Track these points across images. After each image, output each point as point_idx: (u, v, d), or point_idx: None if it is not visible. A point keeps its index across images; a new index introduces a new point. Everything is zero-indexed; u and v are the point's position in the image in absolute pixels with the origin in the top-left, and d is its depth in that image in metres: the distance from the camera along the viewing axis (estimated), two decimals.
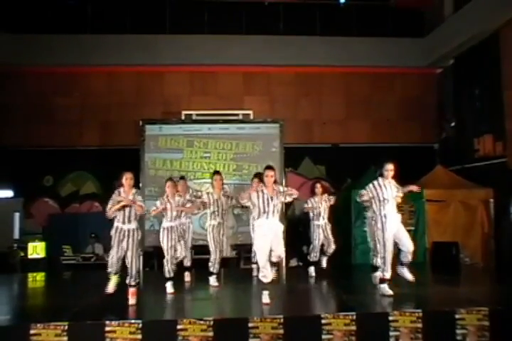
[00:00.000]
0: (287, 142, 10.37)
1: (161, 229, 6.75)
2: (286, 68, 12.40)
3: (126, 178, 5.99)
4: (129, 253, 5.90)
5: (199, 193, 7.39)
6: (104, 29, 12.07)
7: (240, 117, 11.04)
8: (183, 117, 11.12)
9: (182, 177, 7.76)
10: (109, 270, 5.87)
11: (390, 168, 6.18)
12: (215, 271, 7.16)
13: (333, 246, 7.73)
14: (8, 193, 11.46)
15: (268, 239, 5.75)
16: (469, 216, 9.81)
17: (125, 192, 5.99)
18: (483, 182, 10.04)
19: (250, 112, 11.32)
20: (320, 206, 7.67)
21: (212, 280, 7.18)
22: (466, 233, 9.68)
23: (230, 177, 9.77)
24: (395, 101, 12.68)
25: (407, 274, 6.20)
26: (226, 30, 12.14)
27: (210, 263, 7.13)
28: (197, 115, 11.15)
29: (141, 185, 9.60)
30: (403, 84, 12.79)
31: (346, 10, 13.00)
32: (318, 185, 7.82)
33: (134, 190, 6.07)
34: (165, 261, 6.63)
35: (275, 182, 5.96)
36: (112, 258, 5.86)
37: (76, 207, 12.11)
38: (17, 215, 10.91)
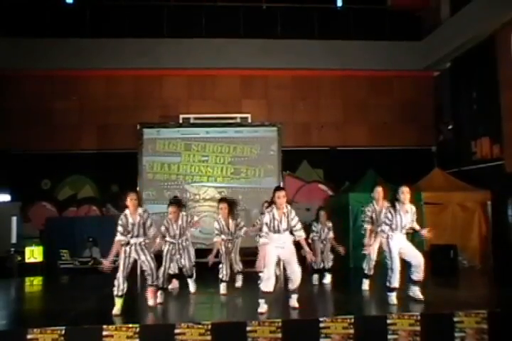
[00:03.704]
0: (285, 145, 10.39)
1: (165, 242, 6.76)
2: (283, 71, 12.41)
3: (131, 199, 5.91)
4: (142, 257, 5.90)
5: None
6: (103, 33, 12.06)
7: (238, 121, 11.06)
8: (181, 121, 11.14)
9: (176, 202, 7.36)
10: (116, 292, 5.78)
11: (405, 191, 5.88)
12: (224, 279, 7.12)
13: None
14: (6, 197, 11.42)
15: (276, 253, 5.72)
16: (467, 218, 9.82)
17: (131, 213, 5.90)
18: (481, 185, 10.05)
19: (248, 116, 11.35)
20: (324, 231, 7.60)
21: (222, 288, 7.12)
22: (464, 235, 9.69)
23: (228, 181, 9.79)
24: (392, 104, 12.70)
25: (418, 293, 6.05)
26: (224, 33, 12.14)
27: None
28: (195, 118, 11.17)
29: (138, 188, 9.60)
30: (400, 87, 12.82)
31: (344, 13, 13.04)
32: (322, 213, 7.66)
33: (140, 210, 5.97)
34: (161, 271, 6.51)
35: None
36: (119, 279, 5.78)
37: (74, 211, 12.07)
38: (14, 219, 10.86)
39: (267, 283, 5.64)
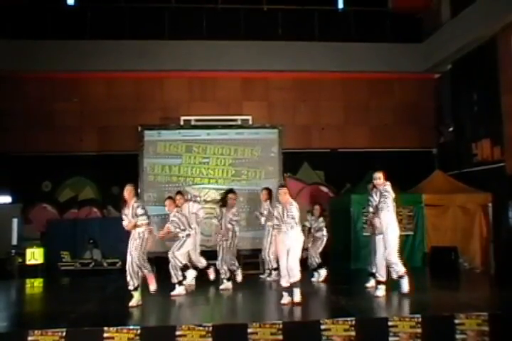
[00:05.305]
0: (286, 147, 10.38)
1: None
2: (284, 73, 12.42)
3: (126, 190, 6.28)
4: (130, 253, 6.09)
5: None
6: (104, 35, 12.05)
7: (239, 122, 11.05)
8: (181, 123, 11.13)
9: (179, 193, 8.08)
10: (129, 286, 6.07)
11: (376, 176, 6.41)
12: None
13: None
14: (7, 199, 11.43)
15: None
16: (468, 220, 9.82)
17: (127, 206, 6.25)
18: (482, 187, 10.05)
19: (249, 117, 11.33)
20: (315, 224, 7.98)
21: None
22: (464, 238, 9.69)
23: (229, 183, 9.77)
24: (393, 106, 12.69)
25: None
26: (225, 35, 12.14)
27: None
28: (196, 120, 11.16)
29: (139, 190, 9.59)
30: (401, 90, 12.81)
31: (345, 15, 13.05)
32: (317, 207, 8.08)
33: (132, 201, 6.25)
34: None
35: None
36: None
37: (74, 213, 12.05)
38: (15, 221, 10.88)
39: (285, 279, 6.02)
